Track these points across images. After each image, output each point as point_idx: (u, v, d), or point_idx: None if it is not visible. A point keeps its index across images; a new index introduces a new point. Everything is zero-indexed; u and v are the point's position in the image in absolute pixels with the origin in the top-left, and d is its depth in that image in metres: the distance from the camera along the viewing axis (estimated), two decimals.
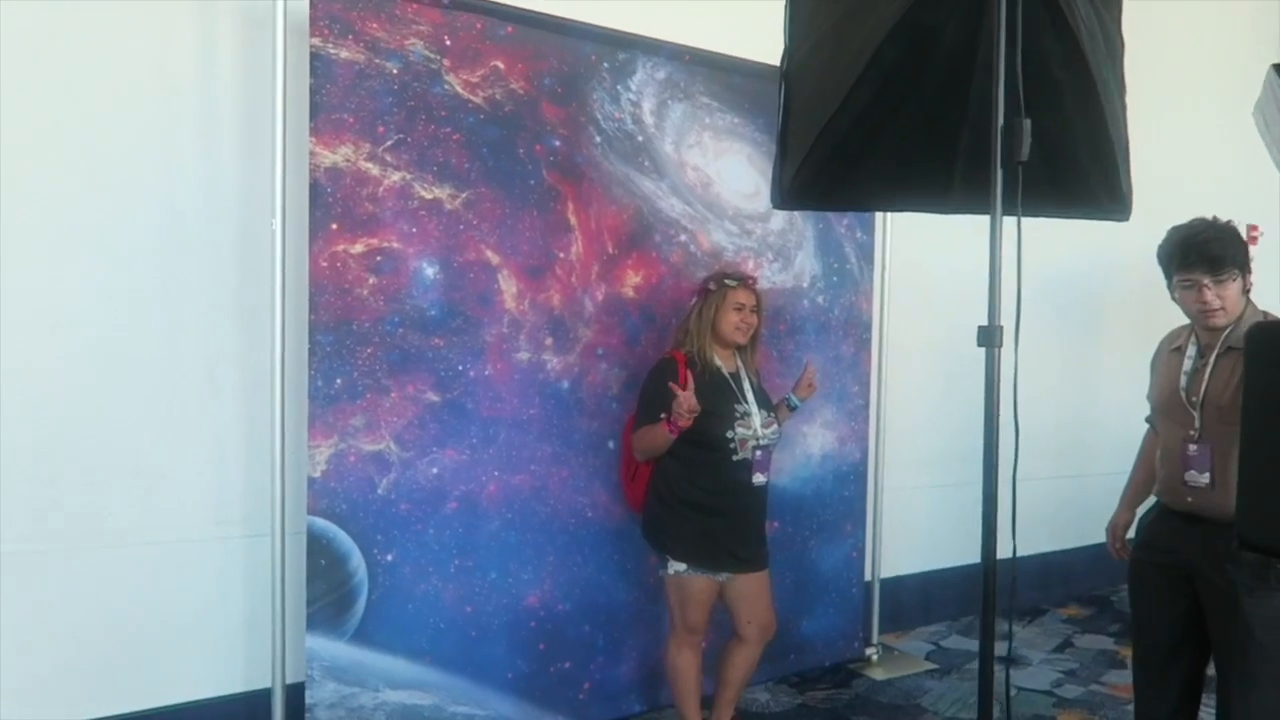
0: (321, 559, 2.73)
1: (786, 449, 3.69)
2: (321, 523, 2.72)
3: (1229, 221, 2.31)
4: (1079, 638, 4.50)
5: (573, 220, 3.14)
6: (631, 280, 3.28)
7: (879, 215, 3.94)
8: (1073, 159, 1.60)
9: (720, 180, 3.47)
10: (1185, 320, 2.47)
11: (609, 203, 3.21)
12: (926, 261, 4.25)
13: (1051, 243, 5.00)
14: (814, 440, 3.79)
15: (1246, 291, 2.32)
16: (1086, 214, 1.75)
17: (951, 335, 4.57)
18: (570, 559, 3.20)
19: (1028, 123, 1.33)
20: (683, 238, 3.39)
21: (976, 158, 1.62)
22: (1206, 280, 2.24)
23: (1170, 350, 2.51)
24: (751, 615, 2.99)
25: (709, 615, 2.98)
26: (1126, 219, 1.74)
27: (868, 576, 4.08)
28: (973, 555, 4.72)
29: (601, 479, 3.24)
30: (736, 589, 2.97)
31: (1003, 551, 1.76)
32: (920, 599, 4.56)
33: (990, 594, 1.57)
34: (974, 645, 4.38)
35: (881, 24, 1.47)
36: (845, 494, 3.90)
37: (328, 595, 2.75)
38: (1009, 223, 1.48)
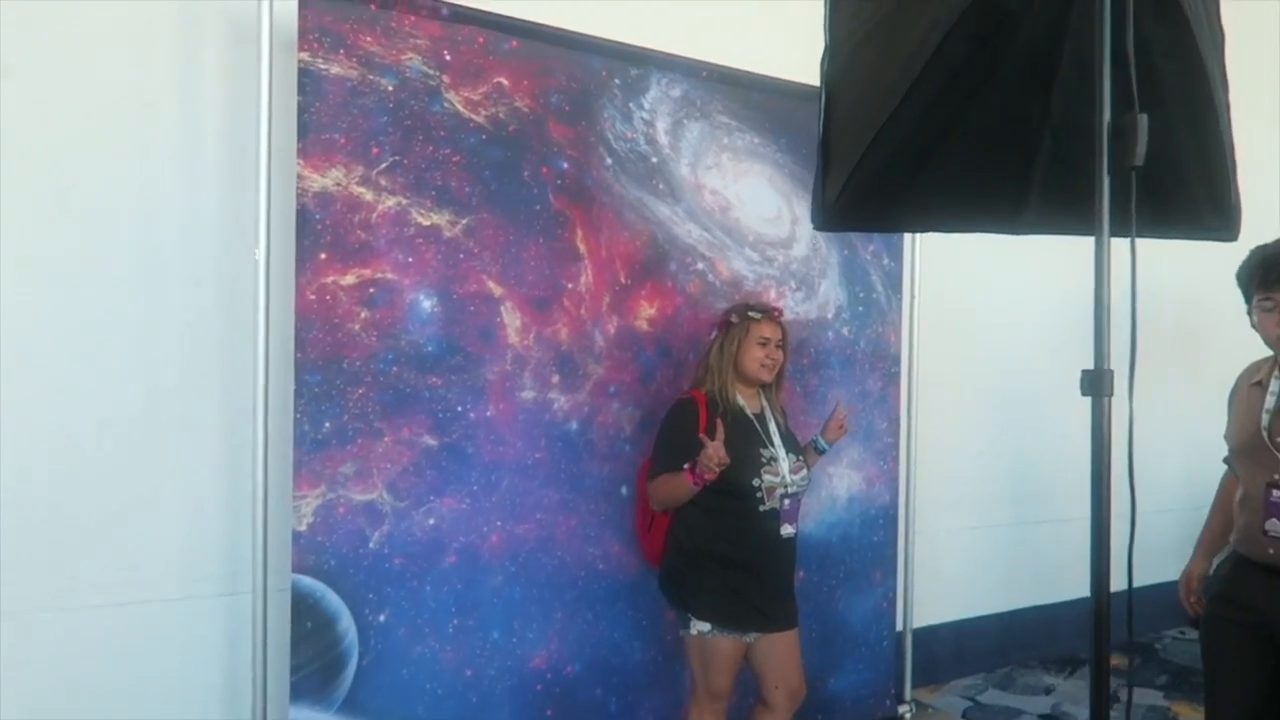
0: (308, 621, 2.47)
1: (811, 492, 3.42)
2: (308, 581, 2.47)
3: None
4: (1125, 692, 4.18)
5: (582, 248, 2.91)
6: (645, 312, 3.05)
7: (907, 240, 3.71)
8: (1176, 167, 1.36)
9: (740, 204, 3.25)
10: (1250, 353, 2.29)
11: (621, 229, 2.99)
12: (957, 291, 4.02)
13: (1084, 264, 4.76)
14: (840, 482, 3.53)
15: None
16: (1189, 233, 1.51)
17: (983, 368, 4.35)
18: (580, 616, 2.93)
19: (1144, 118, 1.09)
20: (700, 266, 3.16)
21: (1059, 168, 1.39)
22: None
23: (1250, 385, 2.28)
24: (780, 679, 2.72)
25: (735, 679, 2.71)
26: (1235, 238, 1.50)
27: (899, 627, 3.80)
28: (1008, 601, 4.43)
29: (614, 528, 2.98)
30: (764, 650, 2.70)
31: (1021, 599, 1.52)
32: (954, 650, 4.27)
33: (1101, 642, 1.32)
34: (1012, 700, 4.11)
35: (947, 11, 1.25)
36: (874, 539, 3.63)
37: (314, 661, 2.49)
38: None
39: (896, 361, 3.69)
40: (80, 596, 2.44)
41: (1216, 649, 2.35)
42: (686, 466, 2.54)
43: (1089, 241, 1.23)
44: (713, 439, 2.49)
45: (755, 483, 2.61)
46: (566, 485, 2.89)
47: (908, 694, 3.82)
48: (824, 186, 1.50)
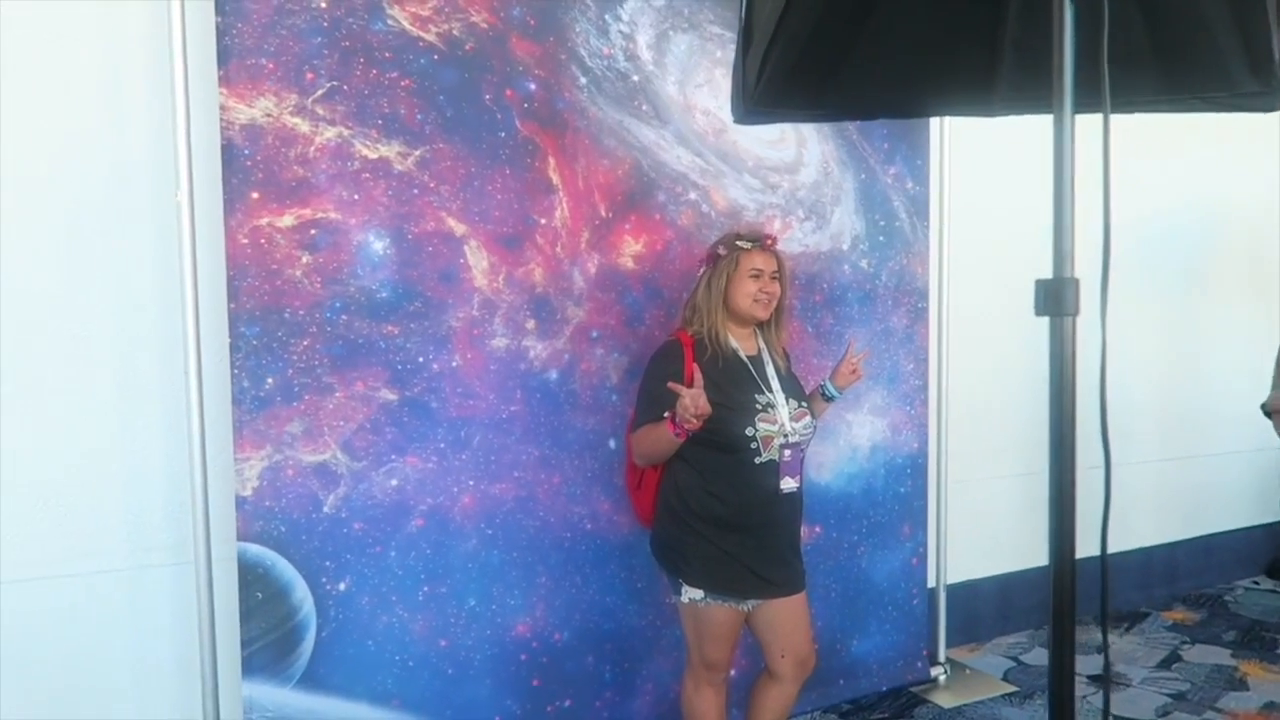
0: (258, 591, 2.30)
1: (829, 440, 3.15)
2: (255, 549, 2.29)
3: None
4: (1188, 649, 3.85)
5: (555, 178, 2.63)
6: (631, 248, 2.76)
7: (933, 161, 3.34)
8: (1192, 12, 1.02)
9: (736, 125, 2.92)
10: None
11: (600, 156, 2.69)
12: (993, 214, 3.63)
13: (1141, 177, 4.34)
14: (861, 430, 3.23)
15: None
16: (1216, 100, 1.16)
17: (1026, 300, 3.96)
18: (567, 580, 2.71)
19: None
20: (692, 195, 2.86)
21: (1035, 23, 1.06)
22: None
23: None
24: (786, 647, 2.46)
25: (733, 649, 2.46)
26: (1277, 106, 1.15)
27: (932, 583, 3.50)
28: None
29: (602, 485, 2.74)
30: (766, 617, 2.45)
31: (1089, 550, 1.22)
32: (998, 606, 3.96)
33: (1063, 606, 1.04)
34: None
35: None
36: (901, 491, 3.33)
37: (268, 634, 2.31)
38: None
39: (924, 296, 3.35)
40: (22, 569, 2.29)
41: None
42: (667, 415, 2.27)
43: (1160, 144, 0.93)
44: (692, 384, 2.22)
45: (749, 432, 2.33)
46: (547, 440, 2.66)
47: (942, 654, 3.54)
48: (744, 67, 1.19)
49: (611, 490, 2.75)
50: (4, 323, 2.25)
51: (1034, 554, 4.06)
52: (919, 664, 3.43)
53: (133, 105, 2.33)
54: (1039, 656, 3.77)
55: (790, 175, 3.04)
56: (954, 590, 3.68)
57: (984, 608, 3.93)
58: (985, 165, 3.55)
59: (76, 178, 2.30)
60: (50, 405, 2.30)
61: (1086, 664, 3.68)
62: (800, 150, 3.05)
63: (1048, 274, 3.60)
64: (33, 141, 2.25)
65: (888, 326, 3.26)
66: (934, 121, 3.32)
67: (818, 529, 3.13)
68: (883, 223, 3.23)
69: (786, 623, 2.45)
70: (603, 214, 2.71)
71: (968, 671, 3.61)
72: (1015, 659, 3.75)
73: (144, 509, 2.39)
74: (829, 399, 2.61)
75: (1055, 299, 0.94)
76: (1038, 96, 1.12)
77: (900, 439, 3.32)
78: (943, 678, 3.49)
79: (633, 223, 2.76)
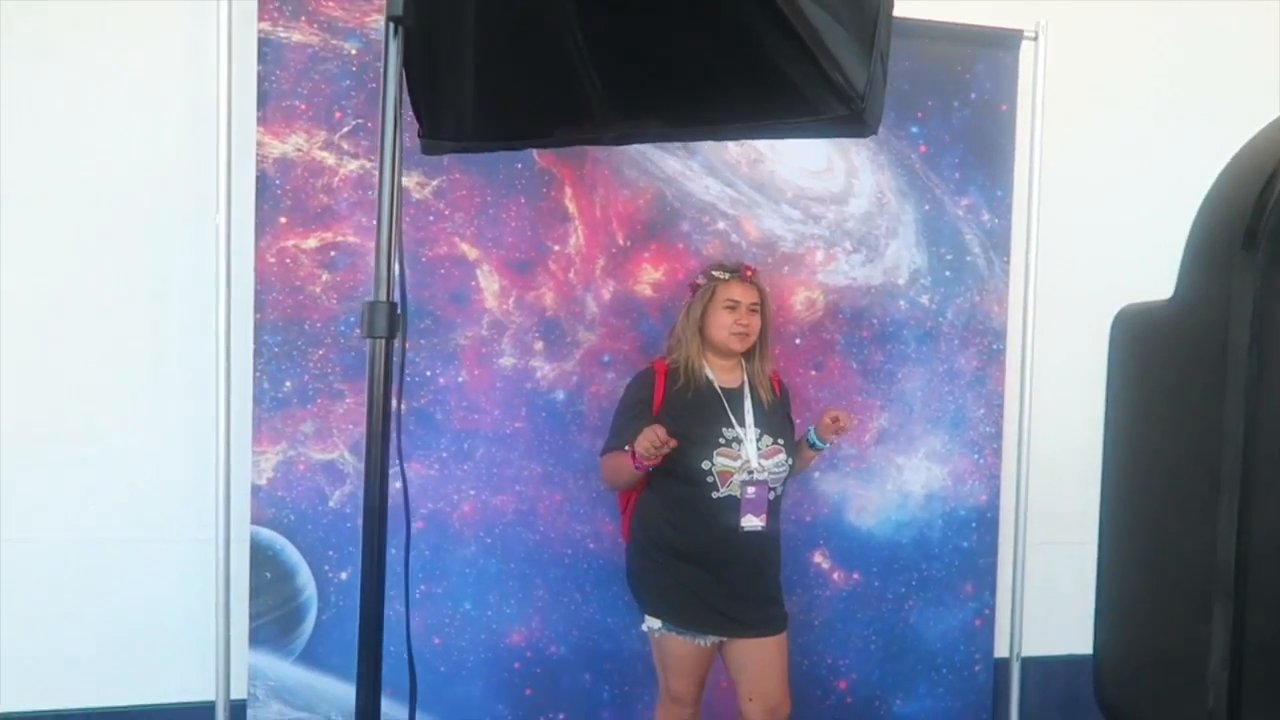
0: (267, 571, 2.58)
1: (873, 483, 3.00)
2: (267, 533, 2.58)
3: None
4: None
5: (571, 207, 2.74)
6: (649, 276, 2.81)
7: (1019, 191, 3.08)
8: (748, 37, 0.93)
9: (775, 155, 2.88)
10: None
11: (620, 187, 2.77)
12: (1088, 251, 3.27)
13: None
14: (913, 475, 3.03)
15: None
16: (805, 127, 1.04)
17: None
18: (566, 596, 2.79)
19: None
20: (721, 225, 2.85)
21: (606, 40, 1.01)
22: None
23: None
24: (754, 692, 2.40)
25: (698, 684, 2.44)
26: (870, 131, 1.02)
27: (1003, 652, 3.20)
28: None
29: (608, 506, 2.80)
30: (735, 657, 2.41)
31: None
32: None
33: None
34: None
35: None
36: (963, 545, 3.08)
37: (273, 610, 2.59)
38: None
39: (1000, 337, 3.09)
40: (60, 532, 2.63)
41: None
42: (627, 448, 2.30)
43: None
44: (657, 414, 2.26)
45: (705, 465, 2.32)
46: (550, 458, 2.76)
47: None
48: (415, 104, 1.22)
49: (617, 512, 2.79)
50: (69, 328, 2.63)
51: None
52: None
53: (181, 141, 2.65)
54: None
55: (838, 206, 2.94)
56: (1049, 664, 3.33)
57: (1090, 689, 3.51)
58: (1079, 196, 3.23)
59: (132, 206, 2.65)
60: (93, 397, 2.64)
61: None
62: (850, 180, 2.94)
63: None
64: (98, 169, 2.61)
65: (952, 367, 3.05)
66: (1022, 152, 3.07)
67: (855, 575, 2.98)
68: (950, 257, 3.03)
69: (754, 666, 2.39)
70: (620, 243, 2.78)
71: None
72: None
73: (177, 491, 2.71)
74: (813, 447, 2.50)
75: (372, 321, 0.99)
76: (634, 121, 1.07)
77: (964, 489, 3.08)
78: None
79: (653, 251, 2.80)
